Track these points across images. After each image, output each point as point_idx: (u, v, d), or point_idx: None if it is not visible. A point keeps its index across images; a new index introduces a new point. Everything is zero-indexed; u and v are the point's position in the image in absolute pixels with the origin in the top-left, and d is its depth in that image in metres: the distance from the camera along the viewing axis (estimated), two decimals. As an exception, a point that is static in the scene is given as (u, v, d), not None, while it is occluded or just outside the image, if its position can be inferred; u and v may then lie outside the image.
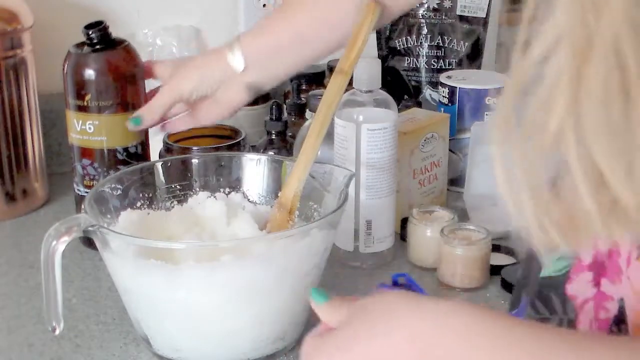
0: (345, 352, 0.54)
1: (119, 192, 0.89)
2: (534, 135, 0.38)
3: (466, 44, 1.30)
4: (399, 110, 1.05)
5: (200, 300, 0.78)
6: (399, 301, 0.54)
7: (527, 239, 0.41)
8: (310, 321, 0.86)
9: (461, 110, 1.16)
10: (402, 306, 0.54)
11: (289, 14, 0.96)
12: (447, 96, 1.17)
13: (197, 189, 0.94)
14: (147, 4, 1.35)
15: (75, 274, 0.99)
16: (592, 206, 0.37)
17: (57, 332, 0.79)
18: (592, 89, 0.36)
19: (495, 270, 0.95)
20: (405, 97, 1.33)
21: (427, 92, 1.33)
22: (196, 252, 0.78)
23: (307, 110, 1.21)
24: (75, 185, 1.04)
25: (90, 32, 1.00)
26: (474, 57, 1.31)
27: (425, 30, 1.31)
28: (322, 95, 0.88)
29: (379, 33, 1.34)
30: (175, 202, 0.93)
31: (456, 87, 1.16)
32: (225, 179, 0.94)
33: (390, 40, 1.34)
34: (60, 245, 0.76)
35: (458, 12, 1.29)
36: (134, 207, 0.90)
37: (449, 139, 1.13)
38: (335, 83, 0.86)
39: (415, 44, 1.32)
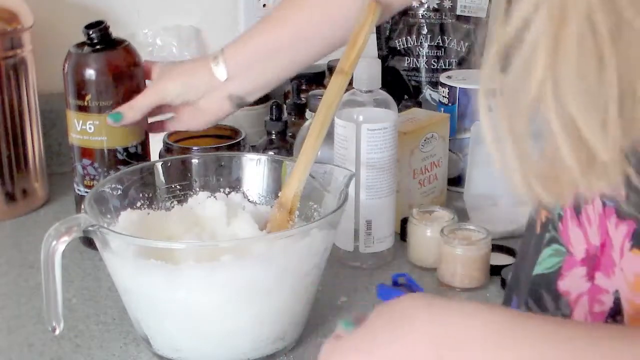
0: (365, 355, 0.54)
1: (119, 192, 0.89)
2: (517, 98, 0.41)
3: (466, 44, 1.30)
4: (399, 110, 1.05)
5: (200, 300, 0.78)
6: (417, 304, 0.54)
7: (514, 193, 0.44)
8: (310, 321, 0.86)
9: (461, 110, 1.16)
10: (421, 309, 0.53)
11: (273, 24, 0.96)
12: (447, 96, 1.17)
13: (197, 189, 0.94)
14: (147, 4, 1.35)
15: (75, 274, 0.99)
16: (572, 162, 0.40)
17: (57, 332, 0.79)
18: (568, 53, 0.38)
19: (495, 270, 0.95)
20: (405, 97, 1.33)
21: (427, 92, 1.33)
22: (196, 252, 0.78)
23: (307, 110, 1.21)
24: (75, 185, 1.04)
25: (91, 32, 1.00)
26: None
27: (425, 30, 1.31)
28: (322, 95, 0.88)
29: (379, 33, 1.34)
30: (175, 202, 0.93)
31: (456, 87, 1.16)
32: (225, 179, 0.94)
33: (390, 40, 1.34)
34: (60, 245, 0.76)
35: (458, 12, 1.29)
36: (134, 207, 0.90)
37: (449, 139, 1.13)
38: (335, 83, 0.87)
39: (415, 44, 1.32)
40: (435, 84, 1.29)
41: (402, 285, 0.93)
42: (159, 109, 1.01)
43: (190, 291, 0.78)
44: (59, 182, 1.24)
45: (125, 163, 1.01)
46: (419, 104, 1.31)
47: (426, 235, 0.98)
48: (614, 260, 0.59)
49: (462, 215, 1.05)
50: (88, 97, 0.99)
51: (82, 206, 0.82)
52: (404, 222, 1.04)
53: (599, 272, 0.61)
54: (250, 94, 0.98)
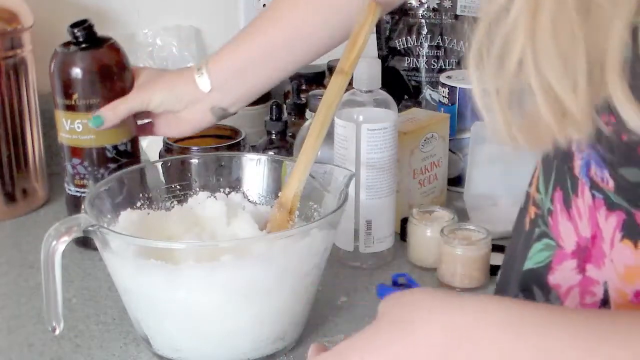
0: (380, 350, 0.54)
1: (119, 192, 0.89)
2: (502, 65, 0.47)
3: (466, 44, 1.30)
4: (399, 110, 1.05)
5: (200, 300, 0.78)
6: (427, 297, 0.54)
7: (498, 139, 0.51)
8: (310, 321, 0.86)
9: (461, 110, 1.16)
10: (434, 302, 0.53)
11: (256, 32, 0.97)
12: (447, 96, 1.17)
13: (197, 189, 0.94)
14: (147, 4, 1.35)
15: (75, 274, 0.99)
16: (549, 117, 0.46)
17: (57, 332, 0.79)
18: (544, 29, 0.45)
19: (495, 270, 0.95)
20: (405, 97, 1.33)
21: (427, 92, 1.33)
22: (196, 252, 0.78)
23: (307, 110, 1.21)
24: (66, 185, 1.04)
25: (76, 31, 0.99)
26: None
27: (425, 30, 1.31)
28: (322, 95, 0.88)
29: (379, 33, 1.34)
30: (175, 202, 0.93)
31: (456, 87, 1.16)
32: (225, 179, 0.94)
33: (390, 40, 1.34)
34: (60, 245, 0.76)
35: (458, 12, 1.29)
36: (134, 207, 0.90)
37: (449, 139, 1.13)
38: (335, 83, 0.87)
39: (415, 44, 1.32)
40: (435, 84, 1.29)
41: (402, 285, 0.93)
42: (142, 113, 1.01)
43: (190, 291, 0.78)
44: (59, 182, 1.23)
45: (115, 161, 1.01)
46: (419, 104, 1.31)
47: (426, 235, 0.98)
48: (604, 251, 0.60)
49: (462, 215, 1.05)
50: (75, 96, 0.99)
51: (82, 206, 0.82)
52: (404, 222, 1.04)
53: (589, 264, 0.61)
54: (233, 105, 0.99)
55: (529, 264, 0.67)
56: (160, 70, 1.05)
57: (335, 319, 0.89)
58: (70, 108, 0.99)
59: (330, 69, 1.32)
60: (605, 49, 0.44)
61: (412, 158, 1.07)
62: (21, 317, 0.91)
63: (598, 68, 0.44)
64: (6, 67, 1.11)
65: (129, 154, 1.02)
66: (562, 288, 0.64)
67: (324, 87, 1.26)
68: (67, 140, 1.01)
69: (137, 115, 1.01)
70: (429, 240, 0.98)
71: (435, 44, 1.31)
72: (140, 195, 0.91)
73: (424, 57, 1.32)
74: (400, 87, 1.33)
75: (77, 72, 0.99)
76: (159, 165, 0.94)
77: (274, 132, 1.16)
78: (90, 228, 0.77)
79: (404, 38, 1.32)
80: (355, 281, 0.96)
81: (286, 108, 1.25)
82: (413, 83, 1.34)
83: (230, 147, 1.09)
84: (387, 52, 1.34)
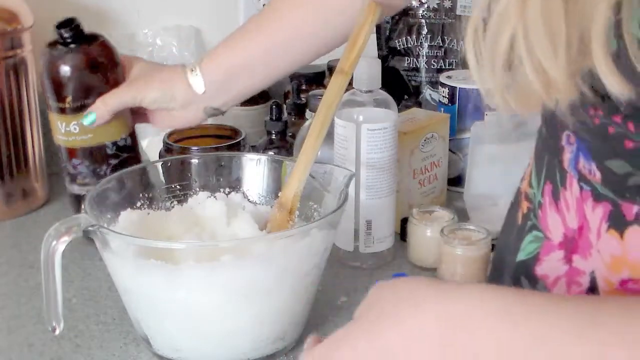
0: (373, 337, 0.54)
1: (119, 192, 0.89)
2: (496, 39, 0.52)
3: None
4: (399, 110, 1.05)
5: (200, 300, 0.78)
6: (421, 285, 0.54)
7: (491, 104, 0.56)
8: (310, 321, 0.86)
9: (461, 110, 1.16)
10: (427, 290, 0.53)
11: (255, 31, 0.96)
12: (447, 96, 1.17)
13: (197, 189, 0.94)
14: (147, 4, 1.35)
15: (75, 274, 0.99)
16: (537, 85, 0.51)
17: (57, 332, 0.79)
18: (534, 8, 0.49)
19: (495, 270, 0.95)
20: (405, 97, 1.33)
21: (427, 92, 1.33)
22: (196, 252, 0.78)
23: (307, 110, 1.21)
24: (67, 185, 1.03)
25: (64, 32, 0.97)
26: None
27: (425, 30, 1.31)
28: (322, 95, 0.88)
29: (379, 33, 1.34)
30: (175, 202, 0.93)
31: (456, 87, 1.16)
32: (225, 179, 0.94)
33: (390, 40, 1.34)
34: (60, 245, 0.76)
35: (458, 12, 1.29)
36: (134, 207, 0.90)
37: (449, 139, 1.13)
38: (335, 83, 0.87)
39: (415, 44, 1.32)
40: (435, 84, 1.29)
41: (402, 285, 0.93)
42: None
43: (190, 291, 0.78)
44: (59, 182, 1.23)
45: (116, 157, 1.00)
46: (419, 104, 1.31)
47: (426, 235, 0.98)
48: (591, 242, 0.61)
49: (462, 215, 1.05)
50: (69, 99, 0.97)
51: (82, 206, 0.82)
52: (404, 222, 1.04)
53: (576, 255, 0.63)
54: (225, 105, 0.98)
55: (520, 256, 0.69)
56: (153, 64, 1.03)
57: (335, 319, 0.89)
58: (64, 111, 0.98)
59: (330, 69, 1.32)
60: (590, 25, 0.48)
61: (412, 158, 1.07)
62: (21, 317, 0.91)
63: (581, 42, 0.49)
64: (6, 67, 1.10)
65: (129, 149, 1.01)
66: (550, 279, 0.65)
67: (324, 87, 1.26)
68: (65, 142, 1.00)
69: (134, 110, 1.00)
70: (429, 240, 0.98)
71: (435, 44, 1.31)
72: (140, 195, 0.91)
73: (424, 57, 1.32)
74: (400, 87, 1.33)
75: (68, 75, 0.97)
76: (159, 165, 0.94)
77: (274, 132, 1.16)
78: (90, 228, 0.77)
79: (404, 38, 1.32)
80: (355, 281, 0.96)
81: (286, 108, 1.25)
82: (413, 83, 1.34)
83: (230, 147, 1.09)
84: (387, 52, 1.34)
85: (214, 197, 0.92)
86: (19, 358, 0.84)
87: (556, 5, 0.49)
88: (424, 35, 1.31)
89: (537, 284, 0.66)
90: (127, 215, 0.88)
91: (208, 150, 1.07)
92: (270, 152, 1.14)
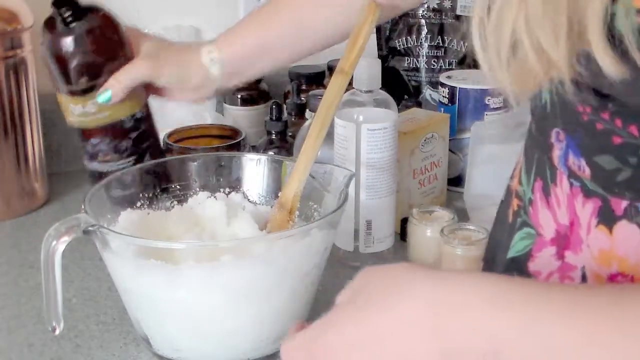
0: (363, 323, 0.53)
1: (119, 192, 0.89)
2: (500, 23, 0.54)
3: (466, 44, 1.30)
4: (399, 110, 1.05)
5: (200, 300, 0.78)
6: (411, 271, 0.54)
7: (496, 88, 0.58)
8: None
9: (461, 110, 1.16)
10: (417, 275, 0.53)
11: (273, 16, 0.96)
12: (447, 96, 1.17)
13: (197, 189, 0.94)
14: (147, 4, 1.35)
15: (75, 274, 0.99)
16: (537, 65, 0.53)
17: (57, 332, 0.79)
18: None
19: (495, 270, 0.95)
20: (405, 97, 1.33)
21: (427, 92, 1.33)
22: (196, 252, 0.78)
23: (307, 110, 1.21)
24: (86, 163, 0.98)
25: (64, 11, 0.91)
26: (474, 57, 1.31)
27: (425, 30, 1.31)
28: (322, 95, 0.88)
29: (379, 33, 1.34)
30: (175, 202, 0.93)
31: (456, 87, 1.16)
32: (225, 179, 0.94)
33: (390, 40, 1.34)
34: (60, 245, 0.76)
35: (458, 12, 1.29)
36: (134, 207, 0.90)
37: (449, 139, 1.13)
38: (335, 83, 0.87)
39: (415, 44, 1.32)
40: (435, 84, 1.29)
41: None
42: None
43: (190, 291, 0.78)
44: (59, 182, 1.24)
45: (135, 129, 0.96)
46: (419, 104, 1.31)
47: (426, 235, 0.98)
48: (581, 237, 0.62)
49: (462, 215, 1.05)
50: (81, 81, 0.93)
51: (82, 206, 0.82)
52: (404, 222, 1.04)
53: (568, 251, 0.63)
54: (236, 86, 1.01)
55: (511, 253, 0.69)
56: (163, 42, 1.00)
57: (335, 319, 0.88)
58: (76, 93, 0.94)
59: (330, 69, 1.32)
60: (587, 9, 0.50)
61: (412, 158, 1.07)
62: (21, 317, 0.91)
63: (579, 25, 0.51)
64: (6, 67, 1.11)
65: (146, 120, 0.98)
66: (542, 275, 0.65)
67: (324, 87, 1.26)
68: (81, 123, 0.96)
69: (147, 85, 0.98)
70: (429, 240, 0.98)
71: (435, 44, 1.31)
72: (140, 195, 0.91)
73: (424, 57, 1.32)
74: (400, 87, 1.33)
75: (77, 56, 0.92)
76: (158, 165, 0.94)
77: (274, 132, 1.16)
78: (90, 228, 0.77)
79: (404, 38, 1.32)
80: (355, 281, 0.96)
81: (286, 108, 1.25)
82: (413, 83, 1.34)
83: (230, 147, 1.09)
84: (387, 52, 1.34)
85: (214, 197, 0.92)
86: (19, 358, 0.84)
87: None
88: (424, 35, 1.31)
89: None
90: (127, 215, 0.88)
91: (208, 150, 1.07)
92: (270, 152, 1.14)
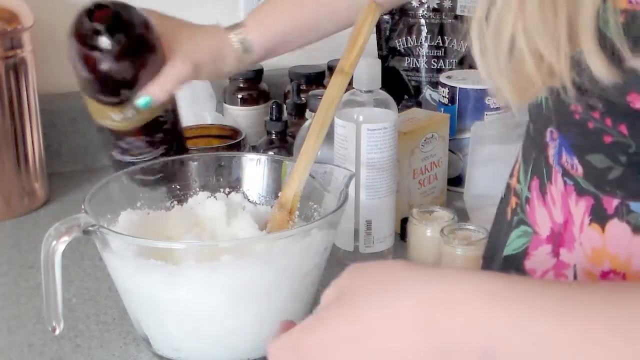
0: (353, 321, 0.52)
1: (120, 192, 0.89)
2: (498, 31, 0.54)
3: (466, 44, 1.30)
4: (399, 110, 1.05)
5: (200, 300, 0.78)
6: (402, 268, 0.53)
7: (494, 95, 0.58)
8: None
9: (461, 110, 1.16)
10: (408, 272, 0.53)
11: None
12: (447, 96, 1.17)
13: (197, 189, 0.94)
14: (147, 4, 1.35)
15: (75, 274, 0.99)
16: (535, 73, 0.54)
17: (57, 332, 0.79)
18: (532, 2, 0.52)
19: (495, 270, 0.96)
20: (405, 97, 1.33)
21: (427, 92, 1.33)
22: (196, 252, 0.78)
23: (307, 110, 1.21)
24: (115, 155, 0.96)
25: (99, 27, 0.85)
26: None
27: (425, 30, 1.31)
28: (322, 95, 0.88)
29: (379, 33, 1.34)
30: (175, 202, 0.93)
31: (456, 87, 1.16)
32: (225, 179, 0.94)
33: (390, 40, 1.34)
34: (60, 245, 0.76)
35: (458, 12, 1.29)
36: (134, 207, 0.90)
37: (449, 139, 1.13)
38: (335, 83, 0.87)
39: (415, 44, 1.32)
40: (435, 84, 1.29)
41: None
42: None
43: (190, 291, 0.78)
44: (59, 182, 1.24)
45: (167, 122, 0.95)
46: (419, 104, 1.31)
47: (426, 235, 0.98)
48: (575, 235, 0.63)
49: (462, 215, 1.05)
50: (124, 92, 0.89)
51: (82, 206, 0.82)
52: (404, 222, 1.04)
53: (563, 248, 0.64)
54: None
55: (507, 251, 0.70)
56: (191, 33, 0.97)
57: (335, 319, 0.88)
58: (118, 104, 0.90)
59: (330, 69, 1.32)
60: (580, 15, 0.51)
61: (412, 158, 1.07)
62: (21, 317, 0.91)
63: (571, 29, 0.52)
64: (6, 67, 1.10)
65: (174, 110, 0.97)
66: (538, 272, 0.66)
67: (324, 87, 1.26)
68: (119, 126, 0.93)
69: None
70: (429, 240, 0.98)
71: (435, 44, 1.31)
72: (140, 195, 0.91)
73: (424, 57, 1.32)
74: (400, 87, 1.33)
75: (119, 73, 0.87)
76: (159, 165, 0.94)
77: (274, 132, 1.16)
78: (90, 228, 0.77)
79: (404, 38, 1.32)
80: (355, 281, 0.96)
81: (286, 108, 1.25)
82: (413, 83, 1.34)
83: (230, 147, 1.09)
84: (387, 52, 1.34)
85: (214, 197, 0.92)
86: (19, 358, 0.84)
87: (553, 2, 0.51)
88: (424, 35, 1.31)
89: None
90: (127, 215, 0.88)
91: (208, 150, 1.07)
92: (270, 152, 1.14)
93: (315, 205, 0.89)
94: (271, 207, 0.91)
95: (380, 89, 0.98)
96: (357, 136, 0.95)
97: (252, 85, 1.34)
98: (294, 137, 1.13)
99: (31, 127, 1.16)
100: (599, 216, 0.60)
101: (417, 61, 1.32)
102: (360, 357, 0.51)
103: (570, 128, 0.60)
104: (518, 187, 0.70)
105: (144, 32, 0.88)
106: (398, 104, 1.09)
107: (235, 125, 1.18)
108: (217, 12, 1.39)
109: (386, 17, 1.32)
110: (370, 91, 0.97)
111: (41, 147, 1.19)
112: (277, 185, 0.93)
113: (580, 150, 0.61)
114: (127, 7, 0.88)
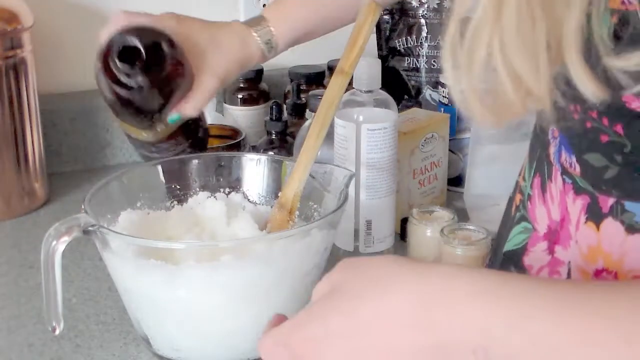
0: (348, 316, 0.52)
1: (119, 192, 0.89)
2: (473, 51, 0.52)
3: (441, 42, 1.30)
4: (399, 110, 1.05)
5: (200, 300, 0.78)
6: (397, 264, 0.53)
7: (467, 115, 0.56)
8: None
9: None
10: (404, 268, 0.52)
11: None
12: (447, 96, 1.17)
13: (197, 189, 0.94)
14: (147, 4, 1.35)
15: (75, 274, 0.99)
16: (513, 96, 0.51)
17: (57, 332, 0.79)
18: (509, 16, 0.49)
19: (495, 270, 0.95)
20: (405, 97, 1.33)
21: (427, 92, 1.33)
22: (196, 252, 0.78)
23: (307, 110, 1.21)
24: (146, 152, 0.97)
25: (129, 71, 0.84)
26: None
27: (425, 30, 1.31)
28: (322, 95, 0.88)
29: (379, 33, 1.34)
30: (175, 202, 0.93)
31: (456, 87, 1.16)
32: (225, 179, 0.94)
33: (390, 40, 1.34)
34: (60, 245, 0.76)
35: (458, 12, 1.29)
36: (134, 207, 0.90)
37: (449, 139, 1.13)
38: (335, 83, 0.87)
39: (415, 44, 1.32)
40: (435, 84, 1.29)
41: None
42: None
43: (190, 291, 0.78)
44: (59, 182, 1.24)
45: (192, 120, 0.95)
46: (419, 104, 1.31)
47: (426, 235, 0.98)
48: (571, 233, 0.63)
49: (462, 215, 1.05)
50: (155, 116, 0.89)
51: (82, 206, 0.82)
52: (404, 222, 1.04)
53: (558, 246, 0.65)
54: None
55: (508, 246, 0.70)
56: (214, 39, 0.95)
57: (335, 319, 0.88)
58: (151, 126, 0.91)
59: (330, 69, 1.32)
60: (563, 33, 0.49)
61: (412, 158, 1.07)
62: (21, 317, 0.91)
63: (555, 49, 0.49)
64: (6, 67, 1.10)
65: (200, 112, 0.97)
66: (534, 269, 0.67)
67: (324, 87, 1.26)
68: (149, 139, 0.94)
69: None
70: (429, 240, 0.98)
71: (435, 44, 1.31)
72: (140, 195, 0.91)
73: (424, 57, 1.32)
74: (400, 87, 1.33)
75: (150, 105, 0.88)
76: (159, 165, 0.94)
77: (274, 132, 1.16)
78: (90, 228, 0.77)
79: (404, 38, 1.32)
80: (355, 281, 0.96)
81: (286, 108, 1.25)
82: (413, 83, 1.34)
83: (230, 147, 1.09)
84: (387, 52, 1.34)
85: (214, 197, 0.92)
86: (19, 358, 0.84)
87: (532, 15, 0.49)
88: (424, 35, 1.31)
89: (525, 274, 0.67)
90: (127, 215, 0.88)
91: (208, 150, 1.07)
92: (270, 152, 1.14)
93: (315, 205, 0.89)
94: (271, 207, 0.91)
95: (380, 89, 0.98)
96: (357, 136, 0.95)
97: (252, 85, 1.34)
98: (294, 137, 1.13)
99: (31, 127, 1.16)
100: (595, 215, 0.61)
101: (417, 61, 1.32)
102: (354, 353, 0.51)
103: (570, 127, 0.60)
104: (523, 184, 0.70)
105: (173, 63, 0.87)
106: (398, 104, 1.09)
107: (235, 125, 1.18)
108: (217, 12, 1.39)
109: (386, 17, 1.32)
110: (370, 91, 0.97)
111: (41, 147, 1.19)
112: (277, 185, 0.93)
113: (578, 149, 0.61)
114: (154, 38, 0.87)
